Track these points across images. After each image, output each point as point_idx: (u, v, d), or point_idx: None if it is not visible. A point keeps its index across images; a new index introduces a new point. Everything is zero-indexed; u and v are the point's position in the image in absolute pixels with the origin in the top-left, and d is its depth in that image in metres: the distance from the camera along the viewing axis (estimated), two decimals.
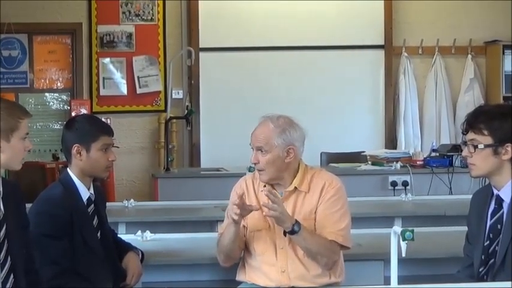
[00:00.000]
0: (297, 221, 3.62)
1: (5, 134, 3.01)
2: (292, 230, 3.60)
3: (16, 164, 3.09)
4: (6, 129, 3.01)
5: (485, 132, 3.33)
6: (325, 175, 3.84)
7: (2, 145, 3.00)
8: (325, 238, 3.68)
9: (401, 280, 3.27)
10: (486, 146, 3.33)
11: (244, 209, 3.64)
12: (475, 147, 3.35)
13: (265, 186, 3.81)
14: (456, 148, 7.04)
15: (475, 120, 3.36)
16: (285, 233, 3.66)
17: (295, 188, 3.78)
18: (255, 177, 3.87)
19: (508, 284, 3.04)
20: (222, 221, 3.98)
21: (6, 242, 3.01)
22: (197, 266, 4.15)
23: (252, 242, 3.80)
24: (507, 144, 3.31)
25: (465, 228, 3.59)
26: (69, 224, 3.61)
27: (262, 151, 3.73)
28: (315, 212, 3.74)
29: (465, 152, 3.41)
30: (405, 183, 6.93)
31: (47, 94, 8.68)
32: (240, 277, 3.88)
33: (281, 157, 3.73)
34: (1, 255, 2.99)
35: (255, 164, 3.77)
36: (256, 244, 3.79)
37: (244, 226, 3.82)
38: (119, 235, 4.17)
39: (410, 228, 3.21)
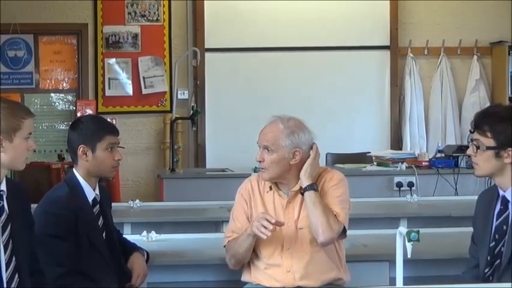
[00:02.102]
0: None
1: (8, 134, 3.01)
2: (312, 185, 3.68)
3: (19, 164, 3.09)
4: (8, 129, 3.01)
5: (489, 135, 3.34)
6: (328, 172, 3.87)
7: (5, 145, 3.01)
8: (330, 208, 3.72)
9: (407, 281, 3.27)
10: (488, 148, 3.34)
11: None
12: (478, 147, 3.36)
13: (271, 188, 3.82)
14: (462, 149, 7.02)
15: (481, 121, 3.37)
16: (301, 193, 3.71)
17: (301, 188, 3.78)
18: (260, 178, 3.88)
19: (511, 285, 3.03)
20: (227, 221, 3.99)
21: (11, 242, 3.01)
22: (202, 266, 4.15)
23: (259, 244, 3.78)
24: (509, 148, 3.32)
25: (471, 229, 3.59)
26: (75, 224, 3.61)
27: (268, 150, 3.74)
28: None
29: (469, 150, 3.44)
30: (411, 184, 6.93)
31: (52, 94, 8.69)
32: (245, 278, 3.88)
33: (286, 158, 3.74)
34: (6, 255, 2.99)
35: (259, 162, 3.78)
36: (262, 246, 3.78)
37: None
38: (124, 235, 4.17)
39: (415, 229, 3.22)
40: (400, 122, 8.88)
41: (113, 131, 3.83)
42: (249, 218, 3.84)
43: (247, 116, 8.37)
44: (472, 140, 3.41)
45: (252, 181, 3.92)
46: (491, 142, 3.34)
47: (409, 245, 3.20)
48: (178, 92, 8.60)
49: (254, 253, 3.82)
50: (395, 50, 8.85)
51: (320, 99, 8.66)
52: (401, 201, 6.15)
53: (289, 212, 3.79)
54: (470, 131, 3.44)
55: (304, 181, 3.72)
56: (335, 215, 3.69)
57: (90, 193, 3.75)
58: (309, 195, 3.70)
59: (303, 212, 3.75)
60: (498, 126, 3.32)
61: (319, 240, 3.68)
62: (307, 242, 3.74)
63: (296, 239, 3.74)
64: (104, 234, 3.76)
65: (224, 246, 3.85)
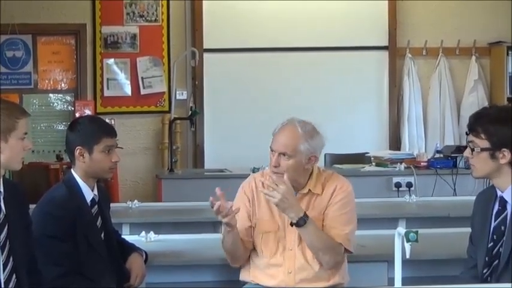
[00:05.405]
0: (305, 214, 3.61)
1: (3, 134, 3.01)
2: (297, 223, 3.60)
3: (15, 164, 3.09)
4: (3, 129, 3.01)
5: (483, 136, 3.34)
6: (337, 178, 3.85)
7: (1, 145, 3.00)
8: (332, 238, 3.68)
9: (405, 281, 3.27)
10: (482, 149, 3.35)
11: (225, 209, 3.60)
12: (473, 149, 3.36)
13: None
14: (460, 149, 7.02)
15: (475, 123, 3.38)
16: (291, 223, 3.65)
17: (309, 190, 3.77)
18: (264, 175, 3.84)
19: (510, 285, 3.03)
20: None
21: (8, 242, 3.01)
22: (201, 266, 4.15)
23: (260, 243, 3.78)
24: (504, 149, 3.32)
25: (469, 229, 3.59)
26: (73, 225, 3.61)
27: (285, 155, 3.70)
28: (323, 213, 3.75)
29: (466, 152, 3.45)
30: (409, 185, 6.93)
31: (51, 95, 8.69)
32: (243, 277, 3.87)
33: (302, 164, 3.71)
34: (3, 256, 2.99)
35: (275, 167, 3.72)
36: (264, 245, 3.78)
37: (251, 227, 3.82)
38: (122, 236, 4.17)
39: (414, 230, 3.22)
40: (398, 122, 8.88)
41: (111, 133, 3.81)
42: (250, 216, 3.82)
43: (246, 116, 8.38)
44: (468, 142, 3.42)
45: (255, 178, 3.88)
46: (485, 144, 3.34)
47: (407, 246, 3.20)
48: (177, 92, 8.59)
49: (254, 252, 3.82)
50: (394, 50, 8.84)
51: (318, 99, 8.64)
52: (399, 201, 6.15)
53: None
54: (466, 133, 3.44)
55: (294, 217, 3.61)
56: (339, 243, 3.68)
57: (89, 193, 3.75)
58: (302, 232, 3.65)
59: (309, 215, 3.72)
60: (491, 128, 3.33)
61: (324, 267, 3.71)
62: None
63: (300, 241, 3.73)
64: (102, 235, 3.76)
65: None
